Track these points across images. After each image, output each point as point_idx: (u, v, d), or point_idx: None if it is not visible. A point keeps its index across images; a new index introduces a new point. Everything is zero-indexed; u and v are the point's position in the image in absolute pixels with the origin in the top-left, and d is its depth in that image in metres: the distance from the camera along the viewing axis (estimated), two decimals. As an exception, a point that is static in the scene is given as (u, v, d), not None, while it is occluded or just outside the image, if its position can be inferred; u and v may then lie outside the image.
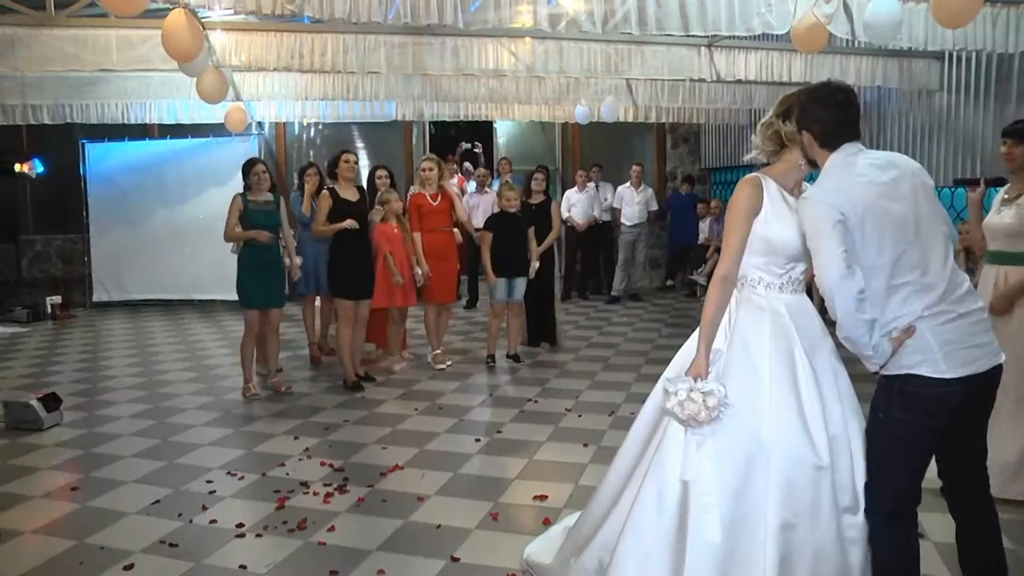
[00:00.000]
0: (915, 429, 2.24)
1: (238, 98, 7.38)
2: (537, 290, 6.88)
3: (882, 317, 2.22)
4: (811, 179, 2.43)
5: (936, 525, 3.24)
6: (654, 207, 10.27)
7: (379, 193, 6.11)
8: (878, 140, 8.14)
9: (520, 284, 6.46)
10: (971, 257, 6.30)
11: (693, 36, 5.29)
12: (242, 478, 3.99)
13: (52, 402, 5.01)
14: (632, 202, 10.01)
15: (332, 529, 3.35)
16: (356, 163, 5.85)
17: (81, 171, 10.27)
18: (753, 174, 2.46)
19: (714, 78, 6.54)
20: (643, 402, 2.60)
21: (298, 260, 5.91)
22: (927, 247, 2.21)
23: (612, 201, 10.15)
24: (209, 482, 3.94)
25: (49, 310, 9.62)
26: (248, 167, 5.56)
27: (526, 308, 6.98)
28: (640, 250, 10.18)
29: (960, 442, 2.39)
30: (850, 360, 2.46)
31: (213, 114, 7.99)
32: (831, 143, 2.30)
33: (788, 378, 2.30)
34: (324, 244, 6.17)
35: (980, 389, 2.28)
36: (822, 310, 2.39)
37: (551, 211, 7.06)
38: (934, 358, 2.18)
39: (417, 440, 4.54)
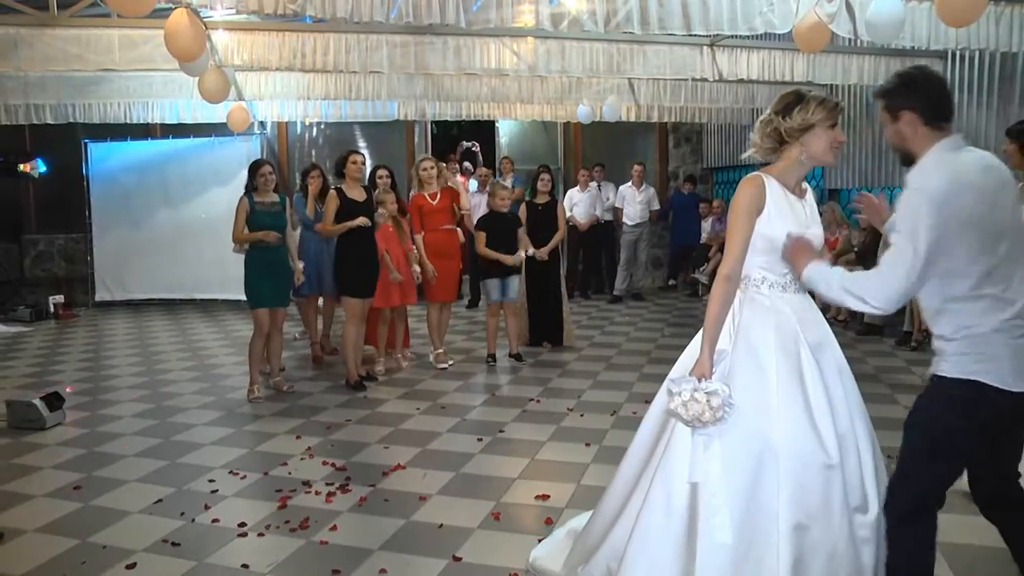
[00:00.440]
0: (963, 435, 2.20)
1: (240, 98, 7.39)
2: (543, 290, 6.89)
3: (956, 320, 2.16)
4: (810, 179, 2.43)
5: (939, 525, 3.23)
6: (656, 207, 10.26)
7: (376, 192, 6.11)
8: (880, 140, 8.12)
9: (513, 283, 6.49)
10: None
11: (695, 36, 5.29)
12: (244, 477, 3.99)
13: (54, 401, 5.02)
14: (634, 202, 10.00)
15: (334, 528, 3.36)
16: (364, 163, 5.85)
17: (84, 171, 10.30)
18: (755, 173, 2.45)
19: (716, 78, 6.53)
20: (645, 402, 2.60)
21: (300, 265, 5.91)
22: (1016, 262, 2.15)
23: (614, 201, 10.15)
24: (211, 481, 3.94)
25: (52, 309, 9.65)
26: (255, 168, 5.55)
27: (531, 308, 6.99)
28: (642, 250, 10.17)
29: (996, 452, 2.35)
30: (853, 359, 2.46)
31: (215, 114, 8.00)
32: (939, 117, 2.21)
33: (795, 377, 2.29)
34: (327, 244, 6.18)
35: None
36: (823, 308, 2.39)
37: (556, 211, 7.07)
38: (1002, 369, 2.13)
39: (419, 439, 4.54)
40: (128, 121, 8.46)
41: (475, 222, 7.28)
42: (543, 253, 6.77)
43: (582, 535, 2.73)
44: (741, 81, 6.94)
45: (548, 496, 3.63)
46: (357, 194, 5.71)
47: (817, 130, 2.38)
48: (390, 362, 6.34)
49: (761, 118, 2.49)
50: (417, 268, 6.17)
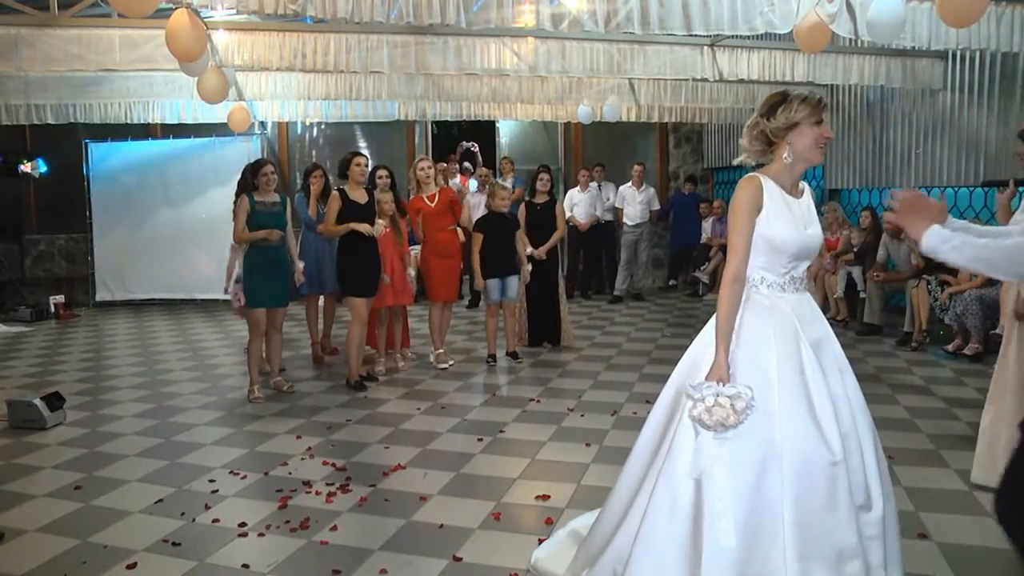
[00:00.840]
0: None
1: (241, 98, 7.39)
2: (541, 290, 6.90)
3: None
4: (810, 179, 2.43)
5: (937, 525, 3.23)
6: (656, 207, 10.26)
7: (375, 192, 6.11)
8: (881, 139, 8.13)
9: (513, 283, 6.50)
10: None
11: (695, 36, 5.28)
12: (244, 477, 3.99)
13: (55, 401, 5.02)
14: (634, 202, 10.01)
15: (334, 528, 3.36)
16: (367, 166, 5.85)
17: (84, 171, 10.30)
18: (752, 173, 2.46)
19: (717, 78, 6.54)
20: (646, 402, 2.60)
21: (300, 265, 5.91)
22: None
23: (614, 201, 10.15)
24: (212, 481, 3.94)
25: (52, 309, 9.66)
26: (257, 168, 5.54)
27: (529, 308, 7.00)
28: (642, 250, 10.17)
29: None
30: (853, 359, 2.46)
31: (216, 114, 8.01)
32: None
33: (796, 376, 2.29)
34: (329, 245, 6.18)
35: None
36: (824, 308, 2.39)
37: (555, 211, 7.07)
38: None
39: (419, 440, 4.54)
40: (129, 121, 8.47)
41: (474, 222, 7.29)
42: (541, 252, 6.78)
43: (586, 539, 2.72)
44: (742, 81, 6.94)
45: (548, 496, 3.63)
46: (359, 196, 5.72)
47: (802, 127, 2.38)
48: (390, 362, 6.35)
49: (748, 122, 2.51)
50: (412, 272, 6.17)
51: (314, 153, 10.96)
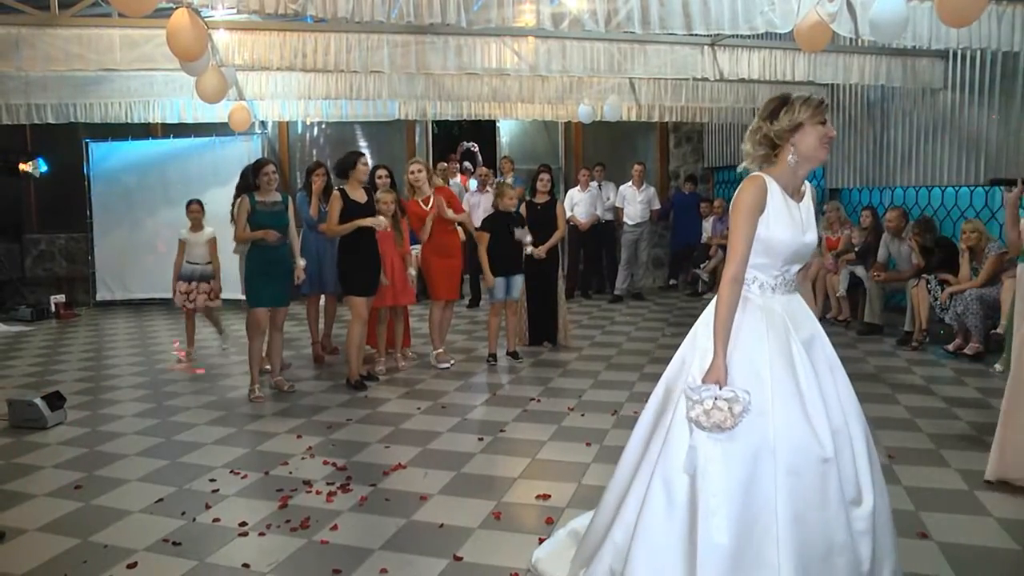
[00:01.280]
0: None
1: (241, 97, 7.39)
2: (540, 290, 6.90)
3: None
4: (810, 178, 2.43)
5: (937, 525, 3.23)
6: (656, 206, 10.26)
7: (376, 193, 6.11)
8: (882, 139, 8.12)
9: (517, 282, 6.53)
10: (976, 257, 6.30)
11: (696, 35, 5.28)
12: (245, 477, 4.00)
13: (55, 401, 5.02)
14: (634, 201, 10.00)
15: (335, 528, 3.36)
16: (367, 165, 5.86)
17: (85, 170, 10.31)
18: (757, 173, 2.46)
19: (717, 77, 6.53)
20: (646, 401, 2.60)
21: (302, 263, 5.90)
22: None
23: (615, 200, 10.15)
24: (212, 481, 3.94)
25: (53, 309, 9.67)
26: (258, 167, 5.54)
27: (529, 308, 7.00)
28: (643, 249, 10.17)
29: None
30: (843, 359, 2.45)
31: (216, 113, 8.01)
32: None
33: (788, 374, 2.31)
34: (330, 244, 6.18)
35: None
36: (825, 307, 2.39)
37: (556, 211, 7.07)
38: None
39: (420, 439, 4.54)
40: (129, 121, 8.47)
41: (476, 222, 7.28)
42: (541, 252, 6.77)
43: (584, 538, 2.72)
44: (742, 81, 6.94)
45: (549, 496, 3.63)
46: (359, 195, 5.72)
47: (806, 128, 2.39)
48: (390, 362, 6.35)
49: (750, 127, 2.51)
50: (413, 272, 6.17)
51: (314, 152, 10.96)
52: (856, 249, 7.72)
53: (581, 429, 4.66)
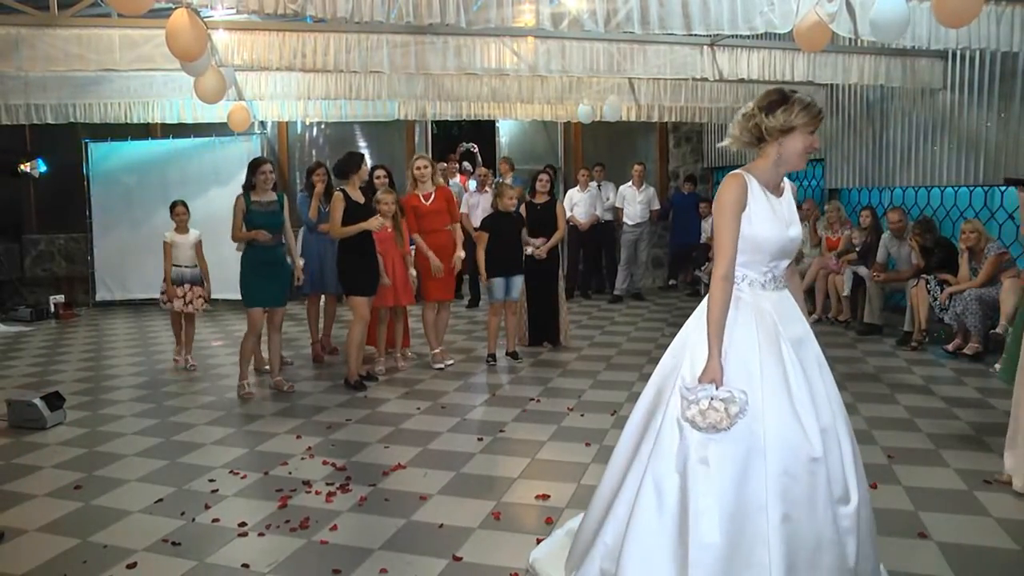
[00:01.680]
0: None
1: (240, 97, 7.39)
2: (541, 290, 6.89)
3: None
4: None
5: (937, 525, 3.24)
6: (656, 206, 10.26)
7: (376, 193, 6.11)
8: (881, 139, 8.13)
9: (517, 282, 6.53)
10: (975, 257, 6.30)
11: (695, 35, 5.28)
12: (244, 477, 3.99)
13: (55, 401, 5.02)
14: (634, 201, 10.00)
15: (334, 528, 3.36)
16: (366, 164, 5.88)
17: (84, 170, 10.30)
18: (736, 171, 2.47)
19: (716, 77, 6.53)
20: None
21: (301, 262, 5.90)
22: None
23: (614, 200, 10.15)
24: (212, 481, 3.94)
25: (52, 309, 9.66)
26: (255, 166, 5.54)
27: (528, 308, 7.00)
28: (642, 249, 10.17)
29: None
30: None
31: (216, 114, 8.00)
32: None
33: (778, 373, 2.31)
34: (330, 244, 6.19)
35: None
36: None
37: (556, 211, 7.07)
38: None
39: (419, 439, 4.54)
40: (128, 121, 8.47)
41: (475, 222, 7.28)
42: (542, 252, 6.78)
43: (575, 539, 2.73)
44: (741, 81, 6.93)
45: (548, 496, 3.63)
46: (359, 196, 5.73)
47: (797, 132, 2.39)
48: (390, 362, 6.35)
49: (743, 111, 2.49)
50: (413, 272, 6.17)
51: (314, 153, 10.95)
52: (857, 249, 7.73)
53: (581, 429, 4.66)
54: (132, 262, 10.22)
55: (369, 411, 5.18)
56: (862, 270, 7.57)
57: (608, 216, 10.12)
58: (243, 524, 3.40)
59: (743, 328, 2.38)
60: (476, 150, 11.15)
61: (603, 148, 11.24)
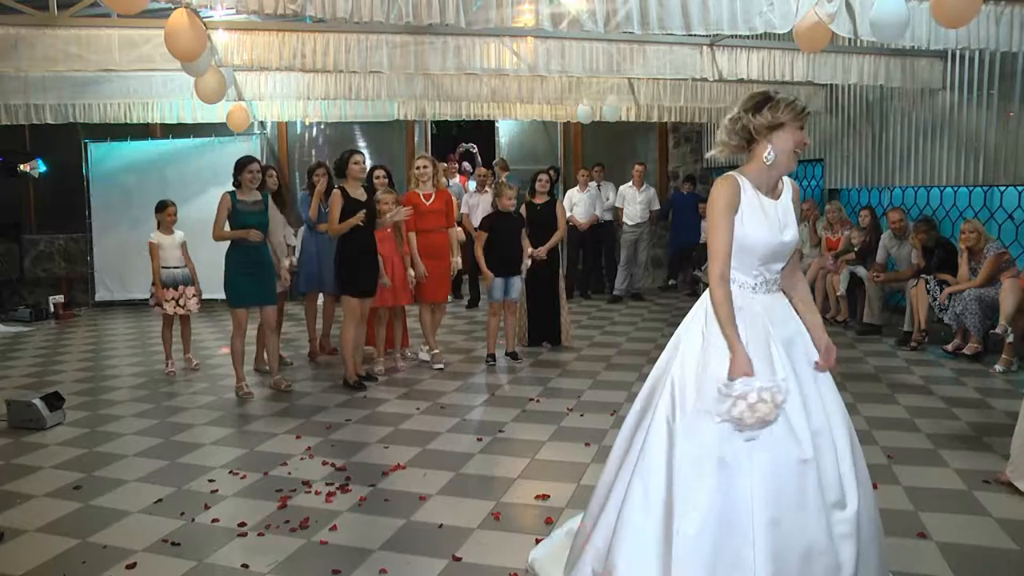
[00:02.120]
0: None
1: (240, 98, 7.39)
2: (541, 290, 6.89)
3: None
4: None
5: (937, 525, 3.24)
6: (656, 207, 10.26)
7: (377, 193, 6.11)
8: (881, 139, 8.13)
9: (516, 282, 6.53)
10: (974, 257, 6.31)
11: (695, 35, 5.28)
12: (244, 477, 3.99)
13: (54, 401, 5.02)
14: (634, 201, 10.01)
15: (334, 528, 3.36)
16: (365, 163, 5.85)
17: (84, 171, 10.30)
18: (729, 172, 2.46)
19: (716, 77, 6.53)
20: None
21: (285, 262, 5.90)
22: None
23: (614, 200, 10.15)
24: (211, 481, 3.94)
25: (52, 309, 9.65)
26: (242, 166, 5.54)
27: (528, 308, 7.00)
28: (642, 250, 10.17)
29: None
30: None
31: (215, 114, 8.01)
32: None
33: (767, 375, 2.30)
34: (329, 244, 6.19)
35: None
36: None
37: (556, 211, 7.07)
38: None
39: (419, 439, 4.54)
40: (128, 121, 8.47)
41: (475, 222, 7.28)
42: (542, 252, 6.78)
43: (573, 541, 2.73)
44: (741, 81, 6.93)
45: (548, 496, 3.63)
46: (359, 194, 5.72)
47: (786, 128, 2.38)
48: (389, 362, 6.35)
49: (729, 116, 2.49)
50: (412, 272, 6.17)
51: (314, 153, 10.96)
52: (856, 249, 7.73)
53: (580, 429, 4.66)
54: (131, 262, 10.19)
55: (369, 411, 5.18)
56: (860, 270, 7.58)
57: (608, 216, 10.12)
58: (243, 524, 3.40)
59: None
60: (476, 150, 11.15)
61: (603, 148, 11.24)
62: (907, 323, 6.85)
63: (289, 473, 4.05)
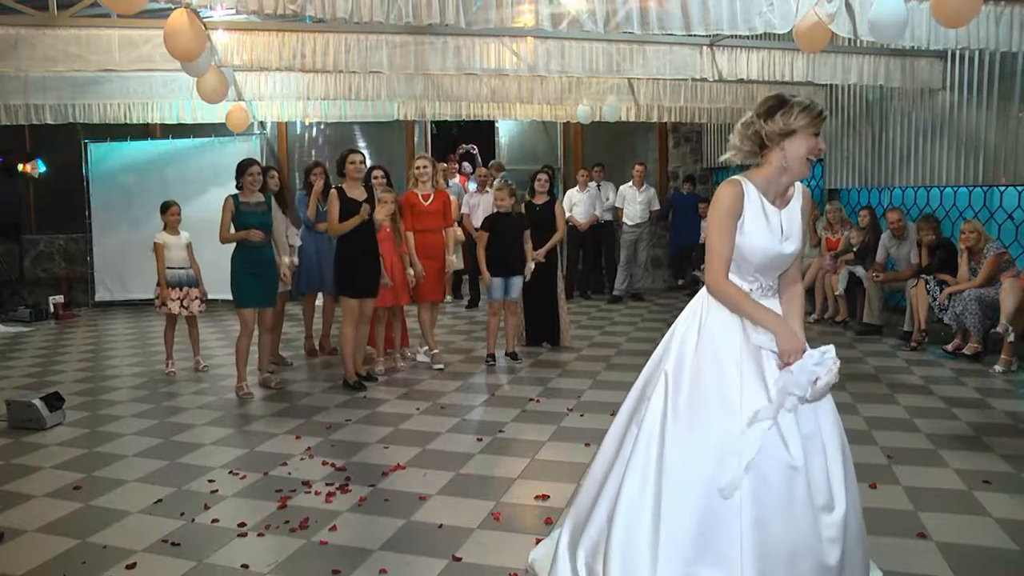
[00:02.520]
0: None
1: (240, 98, 7.39)
2: (540, 290, 6.89)
3: None
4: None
5: (937, 525, 3.24)
6: (656, 207, 10.26)
7: (376, 193, 6.11)
8: (881, 139, 8.13)
9: (516, 283, 6.52)
10: (974, 257, 6.31)
11: (695, 35, 5.28)
12: (244, 477, 3.99)
13: (54, 401, 5.02)
14: (634, 202, 10.00)
15: (334, 528, 3.36)
16: (363, 162, 5.85)
17: (84, 171, 10.30)
18: (735, 176, 2.42)
19: (716, 77, 6.53)
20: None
21: (287, 261, 5.93)
22: None
23: (614, 201, 10.15)
24: (211, 481, 3.94)
25: (52, 309, 9.66)
26: (243, 168, 5.58)
27: (527, 308, 7.00)
28: (642, 250, 10.17)
29: None
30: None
31: (215, 114, 8.01)
32: None
33: (758, 379, 2.31)
34: (327, 244, 6.19)
35: None
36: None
37: (555, 211, 7.07)
38: None
39: (419, 439, 4.54)
40: (128, 121, 8.46)
41: (475, 222, 7.28)
42: (540, 255, 6.76)
43: (562, 537, 2.74)
44: (741, 81, 6.94)
45: (548, 496, 3.63)
46: (357, 193, 5.72)
47: (799, 135, 2.33)
48: (389, 362, 6.35)
49: (742, 120, 2.45)
50: (411, 271, 6.17)
51: (313, 153, 10.96)
52: (855, 249, 7.73)
53: (580, 429, 4.66)
54: (131, 262, 10.21)
55: (368, 411, 5.18)
56: (859, 270, 7.58)
57: (608, 216, 10.12)
58: (243, 524, 3.40)
59: (724, 333, 2.37)
60: (476, 151, 11.15)
61: (603, 148, 11.24)
62: (907, 323, 6.85)
63: (289, 473, 4.05)
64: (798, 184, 2.49)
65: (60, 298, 9.81)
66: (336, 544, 3.22)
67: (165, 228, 6.41)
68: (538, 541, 3.10)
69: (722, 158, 2.57)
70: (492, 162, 10.44)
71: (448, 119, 10.24)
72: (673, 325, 2.54)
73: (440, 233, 6.42)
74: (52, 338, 8.39)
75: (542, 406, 5.21)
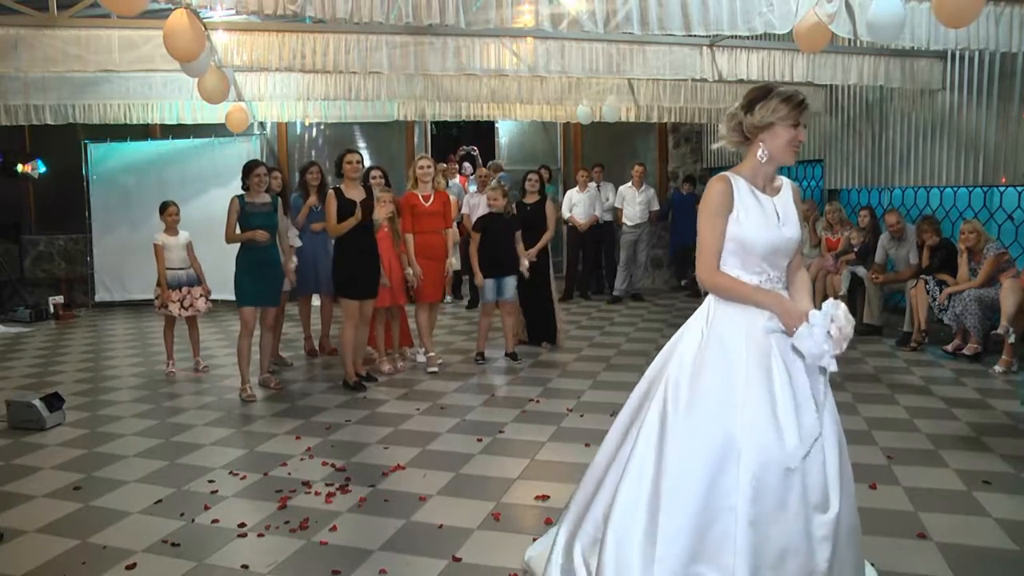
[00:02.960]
0: None
1: (240, 98, 7.39)
2: (531, 291, 6.88)
3: None
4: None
5: (937, 525, 3.24)
6: (656, 207, 10.26)
7: (376, 193, 6.11)
8: (880, 140, 8.13)
9: (510, 283, 6.50)
10: (974, 258, 6.31)
11: (695, 36, 5.29)
12: (244, 478, 3.99)
13: (54, 401, 5.02)
14: (634, 202, 10.00)
15: (334, 529, 3.36)
16: (360, 162, 5.84)
17: (84, 171, 10.30)
18: (722, 173, 2.46)
19: (716, 78, 6.54)
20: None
21: (293, 262, 5.93)
22: None
23: (614, 201, 10.15)
24: (211, 482, 3.94)
25: (52, 310, 9.66)
26: (249, 169, 5.60)
27: (523, 308, 6.99)
28: (642, 250, 10.17)
29: None
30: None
31: (215, 114, 8.01)
32: None
33: (763, 378, 2.31)
34: (323, 245, 6.19)
35: None
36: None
37: (546, 211, 7.05)
38: None
39: (419, 440, 4.54)
40: (128, 122, 8.47)
41: (473, 222, 7.27)
42: (531, 255, 6.74)
43: (559, 528, 2.76)
44: (741, 81, 6.93)
45: (548, 496, 3.64)
46: (356, 194, 5.71)
47: (776, 129, 2.37)
48: (389, 362, 6.35)
49: (729, 110, 2.49)
50: (410, 271, 6.17)
51: (313, 153, 10.96)
52: (856, 249, 7.73)
53: (580, 430, 4.66)
54: (131, 263, 10.20)
55: (368, 412, 5.18)
56: (860, 270, 7.58)
57: (607, 217, 10.12)
58: (243, 525, 3.40)
59: (731, 329, 2.37)
60: (476, 152, 11.15)
61: (603, 149, 11.24)
62: (907, 324, 6.85)
63: (289, 474, 4.05)
64: (785, 179, 2.54)
65: (60, 298, 9.82)
66: (336, 544, 3.22)
67: (165, 229, 6.41)
68: (535, 540, 3.10)
69: (714, 146, 2.59)
70: (491, 162, 10.43)
71: (448, 119, 10.25)
72: (681, 328, 2.54)
73: (441, 234, 6.41)
74: (52, 338, 8.39)
75: (542, 406, 5.21)
